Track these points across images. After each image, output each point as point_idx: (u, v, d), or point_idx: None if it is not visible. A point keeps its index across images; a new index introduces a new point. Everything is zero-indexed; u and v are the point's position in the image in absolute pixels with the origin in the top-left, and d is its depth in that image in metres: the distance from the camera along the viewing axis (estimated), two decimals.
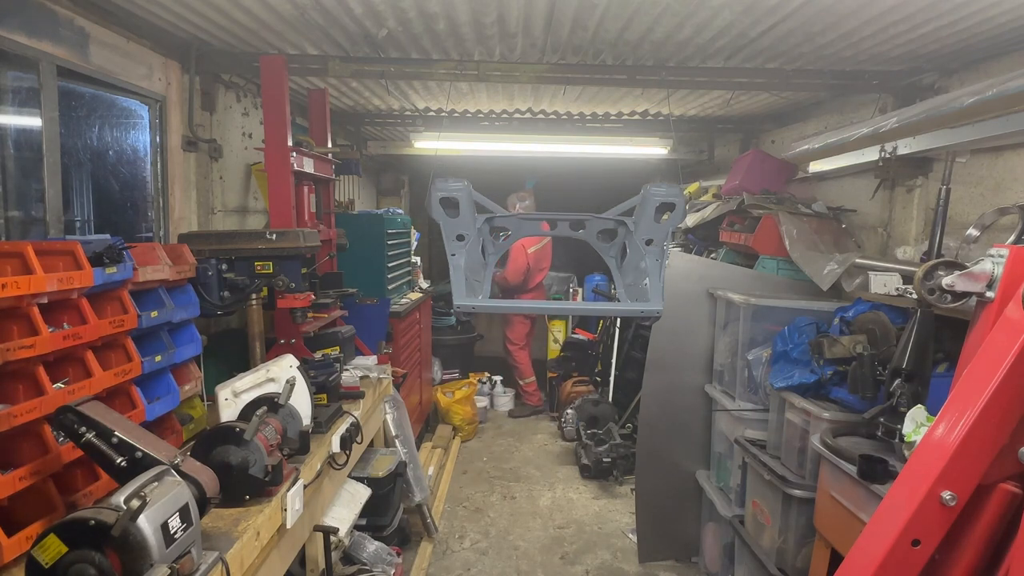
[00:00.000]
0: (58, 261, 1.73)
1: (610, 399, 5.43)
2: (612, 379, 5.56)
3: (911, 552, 1.32)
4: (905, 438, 1.97)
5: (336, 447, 2.40)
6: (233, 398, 2.06)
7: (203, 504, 1.49)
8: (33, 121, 2.27)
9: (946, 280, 1.82)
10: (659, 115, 5.08)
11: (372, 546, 2.91)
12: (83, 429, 1.46)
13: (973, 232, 2.45)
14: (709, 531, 3.52)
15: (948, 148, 2.79)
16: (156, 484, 1.34)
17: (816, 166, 3.95)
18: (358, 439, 2.62)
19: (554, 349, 6.65)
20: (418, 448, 4.25)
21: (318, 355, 2.75)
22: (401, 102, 4.75)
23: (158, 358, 2.05)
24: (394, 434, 3.49)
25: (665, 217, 2.74)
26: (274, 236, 2.69)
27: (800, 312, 3.04)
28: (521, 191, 5.96)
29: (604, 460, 4.60)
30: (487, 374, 6.45)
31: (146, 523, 1.23)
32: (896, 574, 1.33)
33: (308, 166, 3.25)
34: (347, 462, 2.52)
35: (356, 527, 2.82)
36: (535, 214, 2.88)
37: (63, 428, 1.48)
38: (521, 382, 6.31)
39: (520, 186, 6.12)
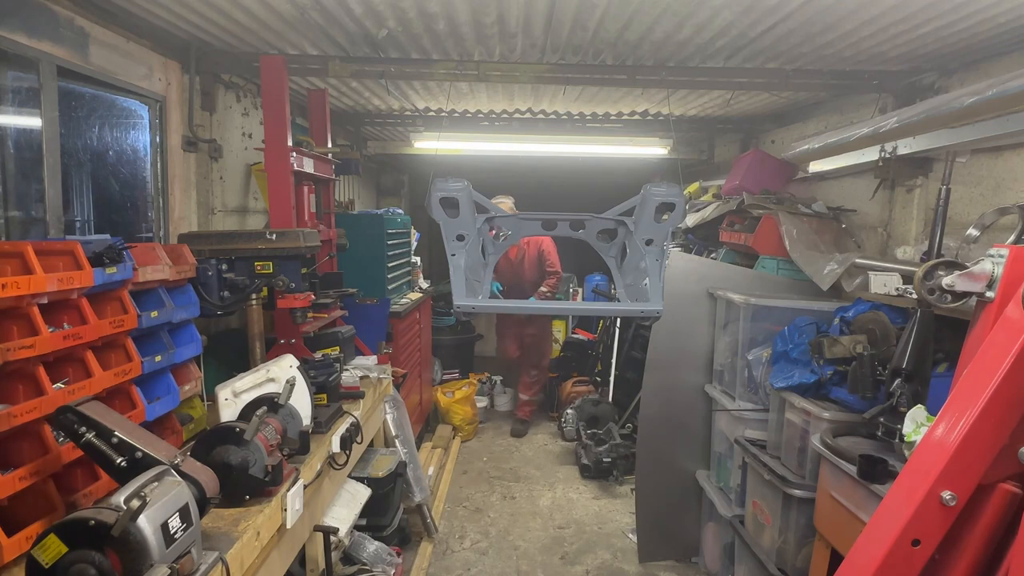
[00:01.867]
0: (58, 261, 1.73)
1: (610, 399, 5.43)
2: (612, 379, 5.56)
3: (911, 552, 1.31)
4: (905, 438, 1.97)
5: (336, 447, 2.40)
6: (233, 398, 2.06)
7: (203, 504, 1.49)
8: (33, 121, 2.27)
9: (946, 280, 1.82)
10: (659, 115, 5.08)
11: (372, 546, 2.91)
12: (83, 429, 1.46)
13: (973, 232, 2.45)
14: (709, 531, 3.52)
15: (948, 148, 2.79)
16: (156, 484, 1.34)
17: (816, 166, 3.95)
18: (358, 439, 2.62)
19: (554, 349, 6.66)
20: (418, 448, 4.25)
21: (318, 355, 2.75)
22: (401, 102, 4.75)
23: (158, 358, 2.05)
24: (394, 434, 3.49)
25: (665, 217, 2.74)
26: (274, 236, 2.69)
27: (800, 312, 3.05)
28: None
29: (604, 460, 4.61)
30: (487, 374, 6.46)
31: (146, 523, 1.23)
32: (896, 574, 1.33)
33: (308, 166, 3.25)
34: (347, 462, 2.52)
35: (356, 527, 2.82)
36: (535, 214, 2.87)
37: (63, 428, 1.48)
38: (534, 397, 5.89)
39: (517, 186, 6.03)
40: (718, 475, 3.45)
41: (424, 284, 5.61)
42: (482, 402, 6.07)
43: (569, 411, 5.38)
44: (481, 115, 5.21)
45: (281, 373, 2.19)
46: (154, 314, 2.05)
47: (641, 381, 3.64)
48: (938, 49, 2.90)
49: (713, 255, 4.48)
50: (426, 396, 5.31)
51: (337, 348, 3.06)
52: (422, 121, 5.36)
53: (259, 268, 2.70)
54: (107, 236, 2.01)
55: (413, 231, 5.33)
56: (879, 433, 2.20)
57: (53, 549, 1.20)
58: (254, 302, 2.73)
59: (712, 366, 3.55)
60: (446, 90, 4.27)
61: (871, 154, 3.29)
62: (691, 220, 4.78)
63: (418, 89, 4.31)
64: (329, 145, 3.74)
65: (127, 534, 1.20)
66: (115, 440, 1.47)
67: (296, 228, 2.93)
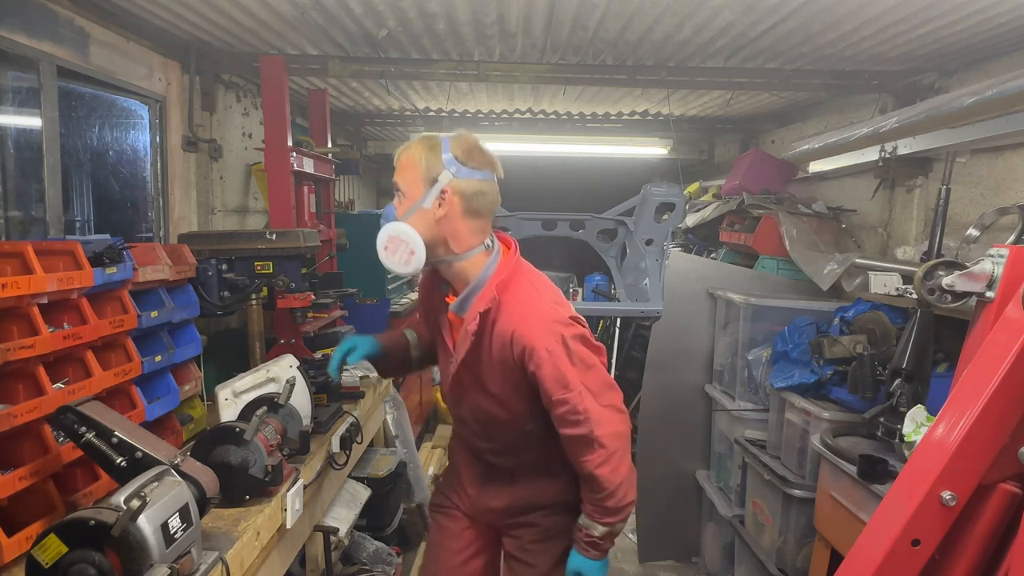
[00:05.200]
0: (58, 261, 1.73)
1: None
2: None
3: (911, 552, 1.31)
4: (905, 438, 1.97)
5: (336, 447, 2.40)
6: (233, 398, 2.06)
7: (203, 504, 1.48)
8: (33, 121, 2.27)
9: (946, 280, 1.82)
10: (659, 115, 5.08)
11: (372, 546, 2.91)
12: (83, 429, 1.46)
13: (973, 232, 2.45)
14: (709, 531, 3.52)
15: (948, 148, 2.78)
16: (156, 484, 1.34)
17: (816, 166, 3.95)
18: (358, 439, 2.62)
19: None
20: (418, 448, 4.25)
21: (318, 355, 2.75)
22: (401, 102, 4.75)
23: (158, 358, 2.04)
24: (394, 434, 3.48)
25: (665, 217, 2.74)
26: (274, 236, 2.69)
27: (800, 312, 3.05)
28: None
29: None
30: None
31: (146, 523, 1.23)
32: (896, 574, 1.33)
33: (308, 166, 3.25)
34: (347, 462, 2.51)
35: (356, 527, 2.82)
36: (535, 214, 2.87)
37: (63, 428, 1.48)
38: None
39: (517, 186, 6.05)
40: (718, 475, 3.45)
41: None
42: None
43: None
44: (481, 115, 5.21)
45: (281, 373, 2.19)
46: (154, 314, 2.05)
47: (641, 381, 3.64)
48: (938, 49, 2.89)
49: (713, 255, 4.48)
50: (426, 396, 5.31)
51: None
52: (422, 121, 5.36)
53: (259, 268, 2.69)
54: (107, 236, 2.00)
55: None
56: (879, 433, 2.21)
57: (53, 549, 1.20)
58: (254, 302, 2.73)
59: (712, 366, 3.55)
60: (446, 90, 4.27)
61: (871, 154, 3.29)
62: (691, 220, 4.78)
63: (418, 89, 4.30)
64: (329, 145, 3.74)
65: (127, 534, 1.20)
66: (115, 440, 1.46)
67: (296, 228, 2.93)
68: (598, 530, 1.60)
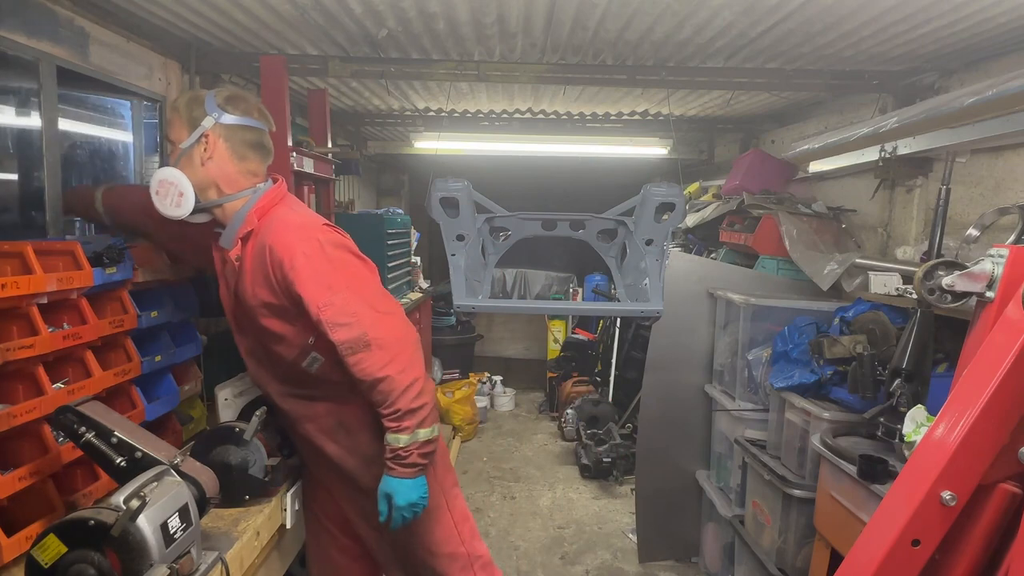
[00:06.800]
0: (58, 261, 1.73)
1: (610, 399, 5.43)
2: (612, 379, 5.56)
3: (911, 552, 1.31)
4: (905, 438, 1.97)
5: None
6: (233, 398, 2.06)
7: (203, 504, 1.49)
8: (33, 121, 2.27)
9: (946, 280, 1.82)
10: (659, 115, 5.08)
11: None
12: (83, 429, 1.46)
13: (973, 232, 2.45)
14: (709, 531, 3.52)
15: (948, 148, 2.79)
16: (156, 484, 1.34)
17: (816, 166, 3.95)
18: None
19: (554, 349, 6.66)
20: None
21: None
22: (401, 102, 4.75)
23: (158, 358, 2.05)
24: None
25: (665, 217, 2.74)
26: None
27: (800, 312, 3.05)
28: None
29: (604, 460, 4.61)
30: (487, 374, 6.46)
31: (146, 523, 1.23)
32: (896, 574, 1.33)
33: (308, 166, 3.25)
34: None
35: None
36: (535, 214, 2.86)
37: (63, 428, 1.48)
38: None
39: (517, 186, 6.06)
40: (718, 475, 3.45)
41: (424, 284, 5.61)
42: (482, 402, 6.07)
43: (569, 411, 5.38)
44: (481, 115, 5.21)
45: None
46: (154, 314, 2.05)
47: (641, 381, 3.64)
48: (938, 49, 2.89)
49: (713, 255, 4.48)
50: None
51: None
52: (422, 121, 5.36)
53: None
54: (107, 236, 2.00)
55: (413, 231, 5.32)
56: (879, 433, 2.21)
57: (53, 549, 1.20)
58: None
59: (712, 366, 3.55)
60: (446, 90, 4.27)
61: (871, 154, 3.28)
62: (691, 220, 4.78)
63: (418, 89, 4.30)
64: (329, 145, 3.73)
65: (127, 534, 1.20)
66: (115, 440, 1.46)
67: None
68: (400, 440, 1.62)
